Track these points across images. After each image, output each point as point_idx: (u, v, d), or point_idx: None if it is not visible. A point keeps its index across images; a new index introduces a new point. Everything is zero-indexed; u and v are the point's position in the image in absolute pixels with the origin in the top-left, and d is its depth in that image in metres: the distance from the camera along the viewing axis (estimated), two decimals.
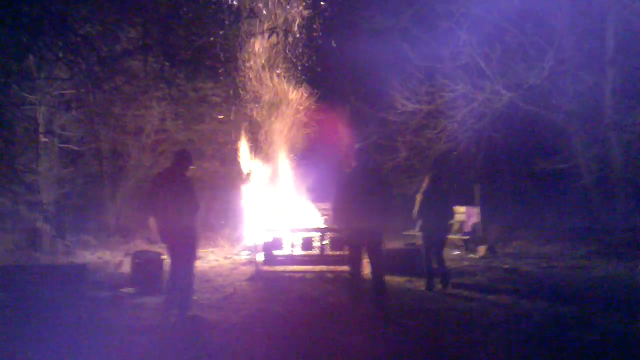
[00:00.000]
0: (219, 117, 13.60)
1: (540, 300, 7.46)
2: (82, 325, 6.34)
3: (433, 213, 8.48)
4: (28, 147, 11.11)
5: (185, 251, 6.79)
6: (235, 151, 14.34)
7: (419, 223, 8.90)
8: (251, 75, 12.72)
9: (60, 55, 7.39)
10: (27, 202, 11.11)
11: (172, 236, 6.72)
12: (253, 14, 8.31)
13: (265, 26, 9.50)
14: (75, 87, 9.04)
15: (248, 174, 12.68)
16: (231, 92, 11.98)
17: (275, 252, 9.85)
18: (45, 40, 6.86)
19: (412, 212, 8.73)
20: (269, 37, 10.56)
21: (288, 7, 12.22)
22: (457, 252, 12.31)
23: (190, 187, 6.82)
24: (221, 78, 10.34)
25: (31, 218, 11.65)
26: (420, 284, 8.73)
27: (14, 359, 5.16)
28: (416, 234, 10.55)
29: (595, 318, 6.55)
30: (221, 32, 8.96)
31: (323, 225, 11.53)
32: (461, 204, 12.71)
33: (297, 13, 12.32)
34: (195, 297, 7.24)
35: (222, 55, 9.97)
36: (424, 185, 8.71)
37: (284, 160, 13.47)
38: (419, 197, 8.66)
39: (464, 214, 12.97)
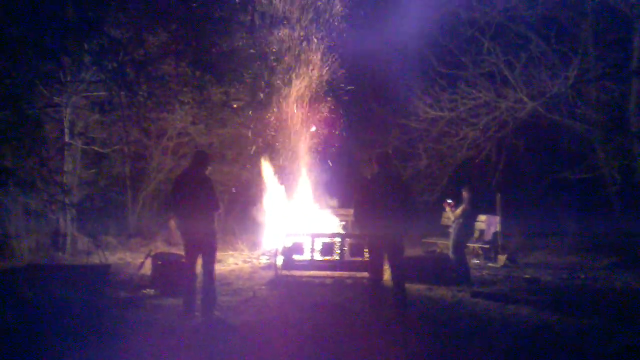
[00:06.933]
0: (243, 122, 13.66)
1: (561, 311, 7.37)
2: (103, 325, 6.41)
3: (472, 224, 10.05)
4: (55, 149, 11.27)
5: (206, 251, 6.91)
6: (257, 156, 14.45)
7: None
8: (277, 80, 12.83)
9: (93, 58, 7.51)
10: (51, 203, 11.24)
11: (194, 235, 6.85)
12: (286, 20, 8.41)
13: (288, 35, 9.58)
14: (107, 90, 9.13)
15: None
16: (260, 95, 12.04)
17: (295, 257, 9.88)
18: (79, 43, 6.98)
19: (430, 219, 8.91)
20: (299, 43, 10.71)
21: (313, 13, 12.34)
22: (477, 261, 12.19)
23: (210, 185, 6.99)
24: (247, 81, 10.41)
25: (54, 218, 11.81)
26: (440, 292, 8.72)
27: (37, 355, 5.24)
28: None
29: (616, 330, 6.48)
30: (252, 35, 9.02)
31: (342, 231, 11.51)
32: (482, 213, 12.59)
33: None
34: None
35: (249, 61, 10.03)
36: (466, 199, 9.67)
37: (304, 166, 13.54)
38: (463, 208, 9.71)
39: (485, 223, 12.81)
